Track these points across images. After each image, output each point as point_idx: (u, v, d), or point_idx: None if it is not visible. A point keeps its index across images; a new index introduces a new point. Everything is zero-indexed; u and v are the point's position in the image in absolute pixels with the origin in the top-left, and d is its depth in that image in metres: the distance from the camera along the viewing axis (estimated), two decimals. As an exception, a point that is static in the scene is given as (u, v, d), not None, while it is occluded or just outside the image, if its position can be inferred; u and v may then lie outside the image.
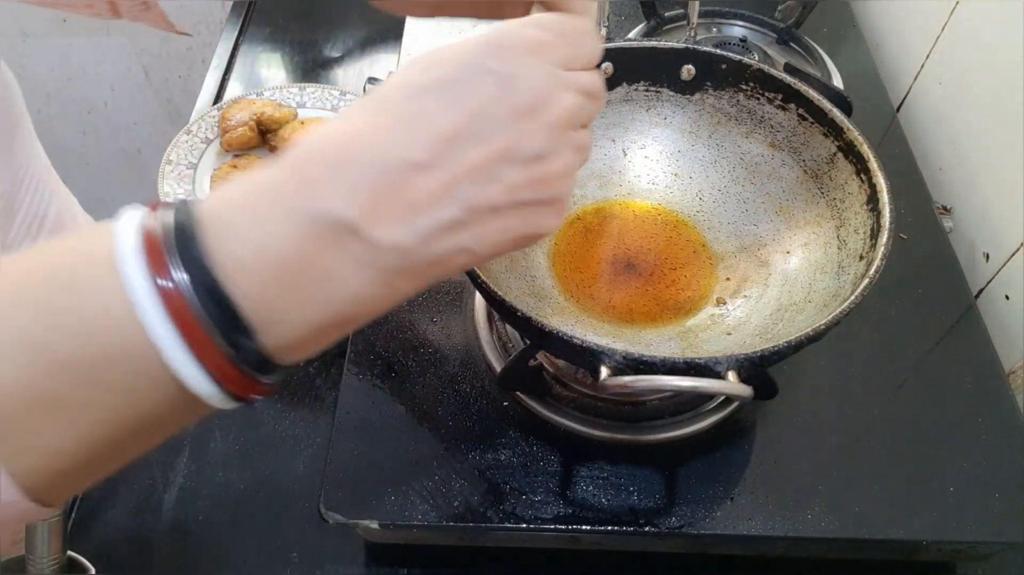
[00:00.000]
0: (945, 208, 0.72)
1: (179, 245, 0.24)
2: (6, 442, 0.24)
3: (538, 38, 0.29)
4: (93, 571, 0.52)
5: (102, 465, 0.27)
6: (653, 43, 0.58)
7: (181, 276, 0.24)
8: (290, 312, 0.26)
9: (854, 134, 0.51)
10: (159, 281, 0.24)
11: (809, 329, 0.42)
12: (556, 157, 0.28)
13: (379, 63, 0.96)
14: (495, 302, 0.44)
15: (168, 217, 0.25)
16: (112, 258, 0.24)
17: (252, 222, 0.25)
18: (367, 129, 0.27)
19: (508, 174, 0.27)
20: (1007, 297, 0.64)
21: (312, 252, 0.25)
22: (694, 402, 0.54)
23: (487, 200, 0.27)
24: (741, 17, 0.85)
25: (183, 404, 0.25)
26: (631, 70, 0.58)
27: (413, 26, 0.83)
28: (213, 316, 0.24)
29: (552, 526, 0.49)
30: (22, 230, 0.54)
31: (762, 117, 0.57)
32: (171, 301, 0.24)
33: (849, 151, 0.52)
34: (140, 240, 0.24)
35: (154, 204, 0.26)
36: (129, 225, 0.25)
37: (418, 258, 0.27)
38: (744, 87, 0.57)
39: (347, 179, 0.26)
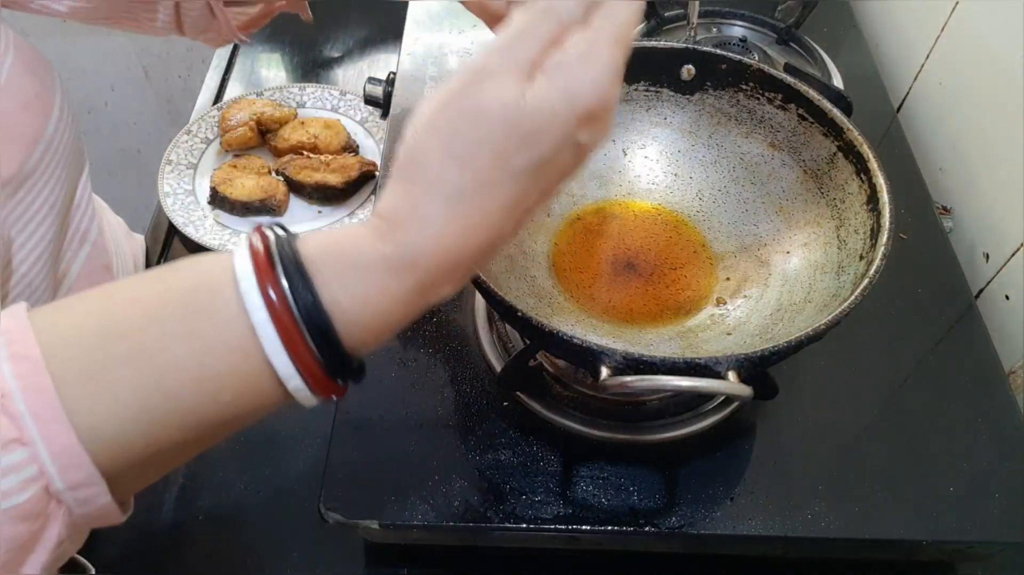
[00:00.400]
0: (945, 208, 0.72)
1: (289, 284, 0.29)
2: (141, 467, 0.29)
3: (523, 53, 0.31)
4: (93, 571, 0.52)
5: (178, 455, 0.32)
6: (653, 43, 0.58)
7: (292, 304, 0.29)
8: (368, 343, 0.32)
9: (854, 134, 0.51)
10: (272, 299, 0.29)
11: (809, 329, 0.42)
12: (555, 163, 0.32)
13: (379, 63, 0.96)
14: (495, 302, 0.44)
15: (275, 249, 0.30)
16: (233, 284, 0.29)
17: (356, 277, 0.30)
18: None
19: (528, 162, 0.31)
20: (1007, 297, 0.64)
21: (405, 308, 0.32)
22: (694, 402, 0.54)
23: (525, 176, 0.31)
24: (741, 17, 0.85)
25: (274, 400, 0.31)
26: (631, 70, 0.57)
27: (413, 26, 0.83)
28: (316, 341, 0.29)
29: (552, 526, 0.49)
30: (74, 242, 0.56)
31: (762, 117, 0.57)
32: (284, 332, 0.29)
33: (849, 151, 0.52)
34: (255, 279, 0.29)
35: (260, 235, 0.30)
36: (244, 260, 0.29)
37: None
38: (744, 87, 0.57)
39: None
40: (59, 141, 0.49)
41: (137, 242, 0.74)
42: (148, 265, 0.74)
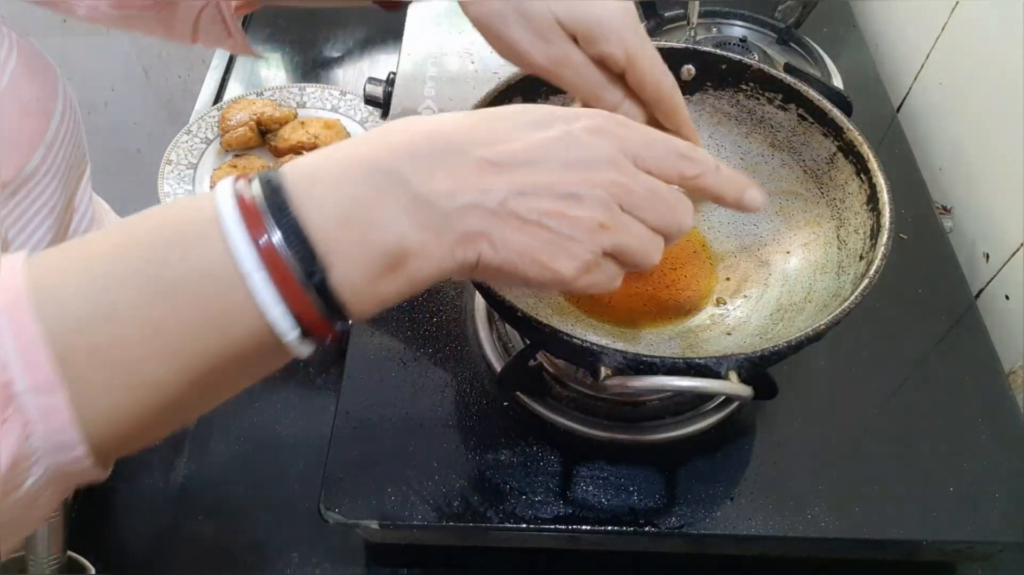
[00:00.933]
0: (945, 208, 0.72)
1: (269, 203, 0.28)
2: (113, 371, 0.27)
3: (622, 134, 0.34)
4: (93, 571, 0.52)
5: (178, 411, 0.30)
6: (653, 43, 0.58)
7: (270, 222, 0.28)
8: (350, 250, 0.29)
9: (854, 134, 0.51)
10: (252, 232, 0.28)
11: (809, 329, 0.42)
12: (584, 207, 0.32)
13: (379, 63, 0.96)
14: (495, 302, 0.44)
15: (256, 183, 0.29)
16: (215, 213, 0.28)
17: (330, 174, 0.30)
18: (451, 123, 0.32)
19: (542, 199, 0.32)
20: (1007, 297, 0.64)
21: (370, 197, 0.30)
22: (694, 402, 0.54)
23: (519, 207, 0.32)
24: (741, 17, 0.85)
25: (263, 341, 0.29)
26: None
27: (413, 26, 0.83)
28: (295, 252, 0.28)
29: (552, 526, 0.49)
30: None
31: (762, 117, 0.57)
32: (263, 249, 0.28)
33: (849, 151, 0.52)
34: (235, 202, 0.28)
35: (238, 176, 0.30)
36: (225, 191, 0.29)
37: (449, 223, 0.31)
38: (744, 87, 0.57)
39: (416, 148, 0.31)
40: (60, 145, 0.49)
41: None
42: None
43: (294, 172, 0.30)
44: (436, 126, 0.32)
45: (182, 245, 0.28)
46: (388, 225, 0.30)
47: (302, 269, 0.28)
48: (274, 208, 0.28)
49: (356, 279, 0.30)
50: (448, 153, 0.31)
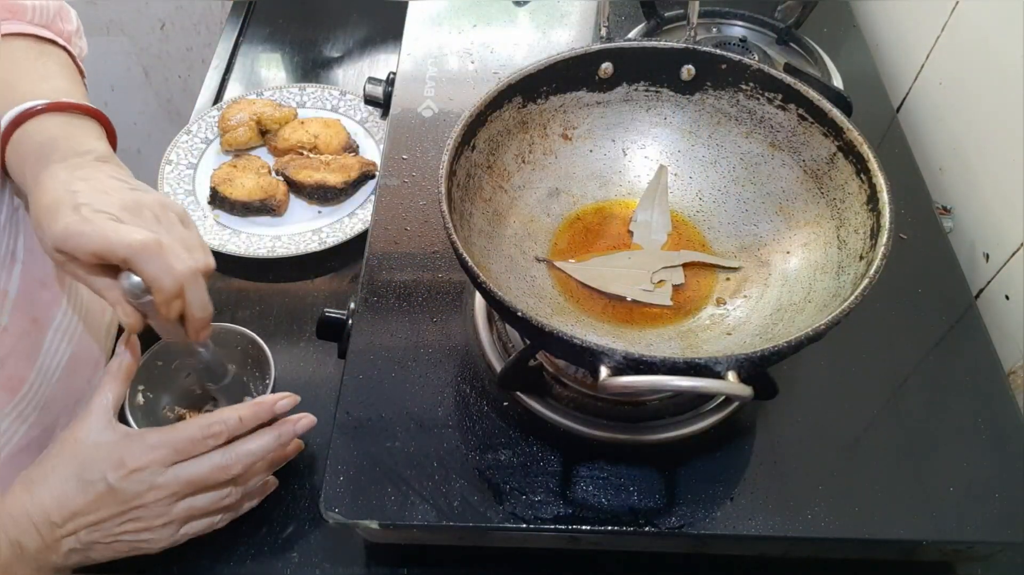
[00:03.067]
0: (945, 208, 0.72)
1: None
2: None
3: (146, 462, 0.47)
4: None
5: None
6: (653, 43, 0.58)
7: None
8: None
9: (854, 134, 0.51)
10: None
11: (809, 329, 0.42)
12: (143, 522, 0.49)
13: (379, 63, 0.96)
14: (495, 302, 0.44)
15: None
16: None
17: None
18: (29, 496, 0.47)
19: (109, 528, 0.48)
20: (1007, 297, 0.64)
21: (6, 564, 0.46)
22: (694, 402, 0.54)
23: (95, 539, 0.48)
24: (741, 17, 0.85)
25: None
26: (631, 70, 0.58)
27: (413, 26, 0.83)
28: None
29: (552, 526, 0.49)
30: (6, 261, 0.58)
31: (762, 117, 0.57)
32: None
33: (849, 151, 0.52)
34: None
35: None
36: None
37: (66, 564, 0.49)
38: (744, 87, 0.57)
39: (27, 529, 0.47)
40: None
41: None
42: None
43: None
44: (14, 503, 0.48)
45: None
46: None
47: None
48: None
49: None
50: (41, 528, 0.47)
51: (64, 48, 0.58)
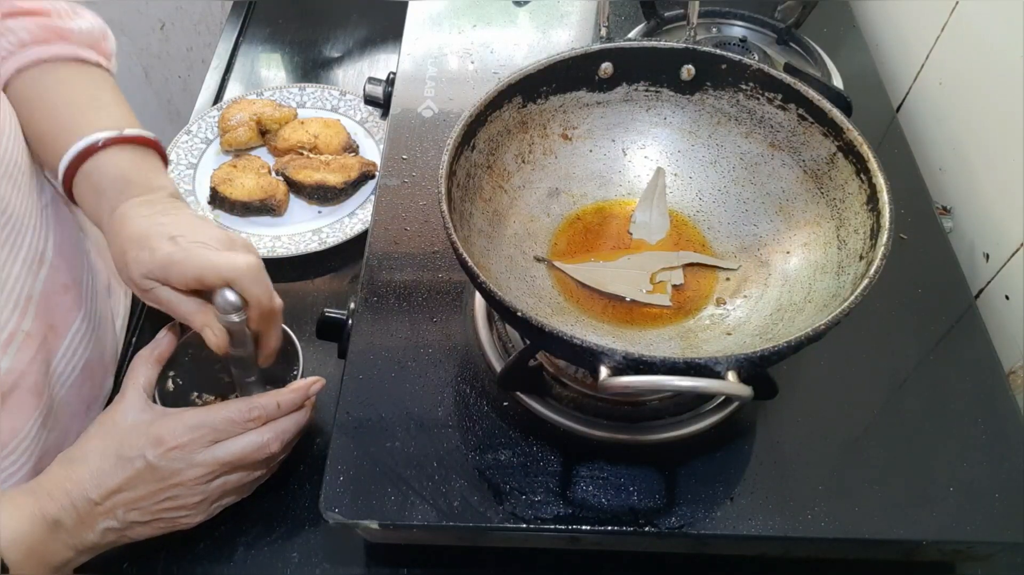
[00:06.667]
0: (945, 208, 0.72)
1: None
2: None
3: (186, 440, 0.49)
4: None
5: None
6: (653, 43, 0.58)
7: None
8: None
9: (854, 134, 0.51)
10: None
11: (809, 329, 0.42)
12: (180, 499, 0.50)
13: (379, 63, 0.96)
14: (495, 302, 0.44)
15: None
16: None
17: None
18: (66, 473, 0.48)
19: (147, 505, 0.49)
20: (1007, 297, 0.64)
21: (42, 541, 0.46)
22: (694, 402, 0.54)
23: (132, 518, 0.49)
24: (741, 17, 0.85)
25: None
26: (631, 70, 0.58)
27: (413, 26, 0.83)
28: None
29: (552, 526, 0.49)
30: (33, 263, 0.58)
31: (762, 117, 0.57)
32: None
33: (849, 151, 0.52)
34: None
35: None
36: None
37: (101, 543, 0.49)
38: (744, 87, 0.57)
39: (65, 506, 0.47)
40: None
41: None
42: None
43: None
44: (59, 485, 0.48)
45: None
46: (58, 557, 0.48)
47: None
48: None
49: None
50: (79, 506, 0.48)
51: (107, 70, 0.60)
